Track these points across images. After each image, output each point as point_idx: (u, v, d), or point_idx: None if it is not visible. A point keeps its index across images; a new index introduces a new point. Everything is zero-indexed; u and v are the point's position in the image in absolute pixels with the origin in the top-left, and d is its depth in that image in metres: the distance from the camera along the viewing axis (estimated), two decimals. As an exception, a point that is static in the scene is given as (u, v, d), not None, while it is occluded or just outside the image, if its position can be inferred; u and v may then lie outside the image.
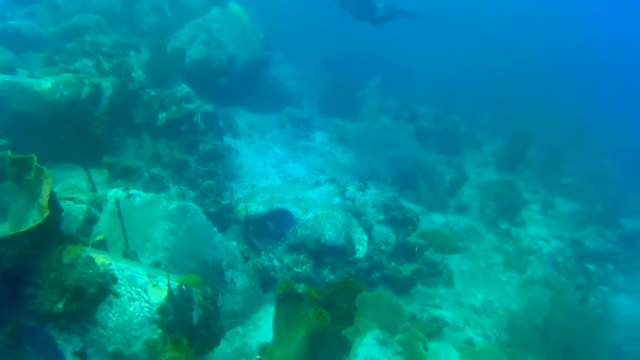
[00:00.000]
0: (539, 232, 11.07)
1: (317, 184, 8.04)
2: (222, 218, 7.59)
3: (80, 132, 8.02)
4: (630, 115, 21.35)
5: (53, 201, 4.01)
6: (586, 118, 20.19)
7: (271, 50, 17.87)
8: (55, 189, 6.67)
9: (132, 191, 6.35)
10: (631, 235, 11.20)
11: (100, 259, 4.43)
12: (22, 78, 7.69)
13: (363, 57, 21.59)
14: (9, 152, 4.22)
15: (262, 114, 13.77)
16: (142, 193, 6.32)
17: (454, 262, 8.96)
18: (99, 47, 9.86)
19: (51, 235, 3.96)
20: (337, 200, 7.35)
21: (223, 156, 9.09)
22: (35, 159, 4.13)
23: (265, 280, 6.82)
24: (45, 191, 3.97)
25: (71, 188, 6.66)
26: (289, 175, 10.32)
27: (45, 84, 7.60)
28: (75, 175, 7.76)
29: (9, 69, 8.22)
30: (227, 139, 11.31)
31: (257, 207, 7.22)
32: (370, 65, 21.27)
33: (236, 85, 12.88)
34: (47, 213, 3.84)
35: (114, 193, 6.42)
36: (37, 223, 3.75)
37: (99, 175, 7.71)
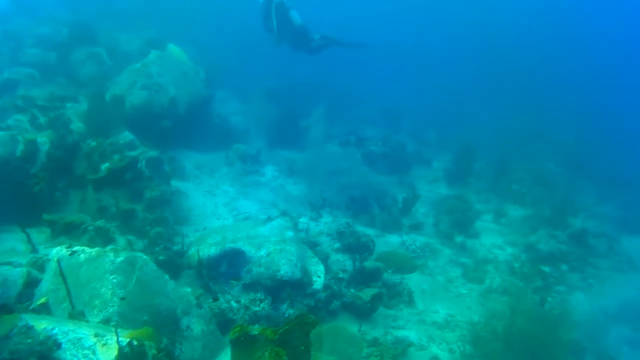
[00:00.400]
0: (494, 240, 11.35)
1: (269, 219, 8.00)
2: (174, 264, 7.40)
3: (17, 191, 7.74)
4: (571, 118, 22.33)
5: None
6: (529, 125, 21.00)
7: (214, 88, 17.84)
8: (-8, 254, 6.42)
9: (76, 247, 6.12)
10: (580, 234, 11.63)
11: (42, 324, 4.23)
12: (-50, 141, 7.38)
13: (306, 87, 21.89)
14: None
15: (209, 153, 13.66)
16: (86, 249, 6.09)
17: (414, 280, 9.03)
18: (32, 102, 9.61)
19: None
20: (290, 233, 7.33)
21: (171, 201, 8.93)
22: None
23: (223, 323, 6.65)
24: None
25: (8, 252, 6.37)
26: (241, 212, 10.22)
27: (-24, 145, 7.32)
28: (13, 237, 7.45)
29: None
30: (175, 183, 11.13)
31: (209, 250, 7.10)
32: (314, 94, 21.59)
33: (180, 126, 12.76)
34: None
35: (57, 252, 6.17)
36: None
37: (40, 235, 7.43)
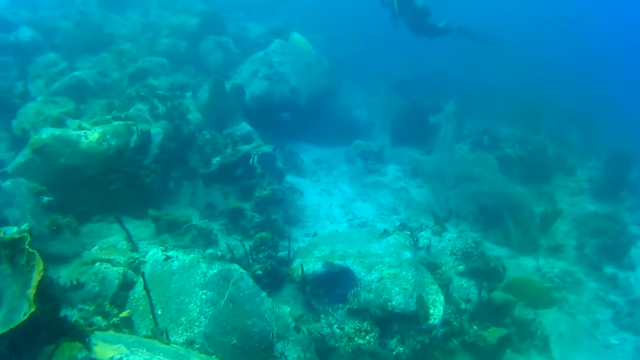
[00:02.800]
0: (656, 275, 9.22)
1: (385, 233, 6.97)
2: (276, 275, 6.73)
3: (129, 182, 7.55)
4: None
5: (45, 291, 3.30)
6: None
7: (338, 79, 17.15)
8: (94, 249, 6.20)
9: (170, 253, 5.65)
10: None
11: (109, 352, 3.66)
12: (70, 130, 7.36)
13: (436, 78, 20.28)
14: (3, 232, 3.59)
15: (329, 148, 12.94)
16: (180, 255, 5.59)
17: (549, 319, 7.48)
18: (153, 91, 9.52)
19: (38, 333, 3.24)
20: (408, 254, 6.23)
21: (282, 201, 8.29)
22: (28, 240, 3.45)
23: (323, 350, 5.82)
24: (34, 280, 3.27)
25: (111, 248, 6.08)
26: (357, 217, 9.32)
27: (92, 135, 7.22)
28: (121, 229, 7.27)
29: (60, 122, 7.95)
30: (290, 178, 10.57)
31: (314, 265, 6.27)
32: (444, 86, 19.92)
33: (301, 119, 12.17)
34: (32, 309, 3.12)
35: (153, 254, 5.76)
36: (15, 324, 3.03)
37: (146, 229, 7.16)
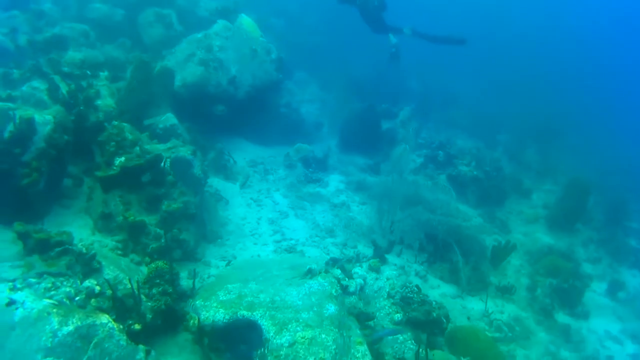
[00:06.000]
0: (608, 326, 8.53)
1: (310, 273, 5.80)
2: (174, 314, 5.45)
3: (1, 182, 6.04)
4: None
5: None
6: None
7: (289, 70, 15.79)
8: None
9: (17, 295, 4.27)
10: None
11: None
12: None
13: (398, 78, 19.27)
14: None
15: (270, 147, 11.65)
16: (29, 301, 4.22)
17: (495, 379, 6.54)
18: (58, 66, 7.94)
19: None
20: (332, 308, 5.07)
21: (195, 216, 6.95)
22: None
23: None
24: None
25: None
26: (286, 238, 8.10)
27: (-49, 119, 5.66)
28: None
29: None
30: (217, 182, 9.24)
31: (215, 313, 5.03)
32: (403, 88, 18.95)
33: (239, 113, 10.81)
34: None
35: (-5, 293, 4.36)
36: None
37: (13, 246, 5.68)
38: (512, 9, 33.75)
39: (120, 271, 5.64)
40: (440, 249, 8.51)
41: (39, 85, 7.51)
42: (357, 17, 11.51)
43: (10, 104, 6.38)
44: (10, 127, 5.99)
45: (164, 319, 5.40)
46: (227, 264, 6.80)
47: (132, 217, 6.44)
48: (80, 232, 6.57)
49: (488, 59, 24.50)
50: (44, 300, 4.30)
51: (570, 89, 24.54)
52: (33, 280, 4.92)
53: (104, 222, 6.67)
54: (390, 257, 7.94)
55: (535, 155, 16.29)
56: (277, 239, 7.99)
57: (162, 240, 6.23)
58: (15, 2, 11.52)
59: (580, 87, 25.33)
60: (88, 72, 8.26)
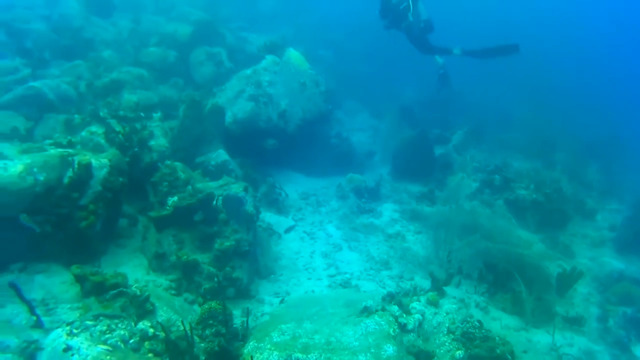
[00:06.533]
0: (698, 362, 7.68)
1: (366, 311, 5.56)
2: (227, 355, 5.34)
3: (61, 225, 6.22)
4: None
5: None
6: None
7: (338, 100, 15.78)
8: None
9: (72, 341, 4.29)
10: None
11: None
12: (-10, 160, 6.05)
13: (450, 102, 18.87)
14: None
15: (321, 178, 11.57)
16: (84, 347, 4.24)
17: None
18: (115, 110, 8.23)
19: None
20: (390, 349, 4.81)
21: (248, 253, 6.89)
22: None
23: None
24: None
25: (1, 324, 4.73)
26: (341, 272, 7.89)
27: (14, 167, 5.90)
28: (44, 284, 5.95)
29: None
30: (270, 217, 9.21)
31: (269, 356, 4.88)
32: (456, 111, 18.49)
33: (289, 146, 10.84)
34: None
35: (54, 339, 4.40)
36: None
37: (73, 288, 5.82)
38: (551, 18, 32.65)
39: (174, 312, 5.63)
40: (501, 278, 8.03)
41: (97, 129, 7.79)
42: (404, 41, 11.44)
43: (70, 150, 6.62)
44: (69, 173, 6.20)
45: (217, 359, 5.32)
46: (281, 302, 6.66)
47: (185, 257, 6.46)
48: (135, 271, 6.65)
49: (535, 73, 23.66)
50: (99, 346, 4.30)
51: (625, 100, 23.33)
52: (90, 322, 4.97)
53: (158, 262, 6.73)
54: (449, 289, 7.54)
55: (596, 173, 15.35)
56: (332, 273, 7.81)
57: (215, 280, 6.17)
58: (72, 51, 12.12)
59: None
60: (142, 114, 8.52)
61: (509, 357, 6.16)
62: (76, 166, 6.23)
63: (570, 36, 30.89)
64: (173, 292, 6.38)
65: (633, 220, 11.21)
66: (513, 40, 10.32)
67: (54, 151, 6.43)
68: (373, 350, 4.82)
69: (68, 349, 4.19)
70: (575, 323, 7.94)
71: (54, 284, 5.99)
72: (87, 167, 6.34)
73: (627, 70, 27.72)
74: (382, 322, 5.26)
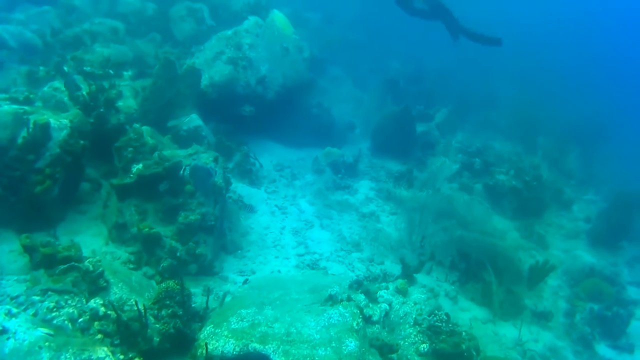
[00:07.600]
0: (657, 362, 7.75)
1: (331, 300, 5.36)
2: (184, 338, 5.11)
3: (14, 189, 5.82)
4: None
5: None
6: None
7: (322, 68, 15.24)
8: None
9: (9, 323, 3.98)
10: None
11: None
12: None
13: (436, 77, 18.48)
14: None
15: (299, 150, 11.21)
16: (22, 330, 3.93)
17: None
18: (80, 65, 7.69)
19: None
20: (352, 344, 4.61)
21: (214, 228, 6.59)
22: None
23: None
24: None
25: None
26: (310, 251, 7.66)
27: (-38, 124, 5.44)
28: (-5, 250, 5.59)
29: None
30: (241, 187, 8.89)
31: (225, 343, 4.65)
32: (441, 86, 18.12)
33: (268, 114, 10.41)
34: None
35: (-10, 318, 4.08)
36: None
37: (22, 258, 5.45)
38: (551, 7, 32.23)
39: (130, 289, 5.34)
40: (473, 267, 7.92)
41: (61, 85, 7.29)
42: (398, 13, 10.89)
43: (26, 107, 6.14)
44: (23, 133, 5.75)
45: (173, 342, 5.09)
46: (244, 282, 6.41)
47: (146, 229, 6.13)
48: (94, 241, 6.33)
49: (528, 57, 23.33)
50: (39, 329, 4.00)
51: (617, 90, 23.24)
52: (36, 298, 4.68)
53: (118, 232, 6.40)
54: (420, 276, 7.40)
55: (577, 160, 15.25)
56: (300, 252, 7.58)
57: (178, 254, 5.88)
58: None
59: (630, 89, 23.93)
60: (111, 72, 7.99)
61: (474, 353, 6.07)
62: (31, 126, 5.78)
63: (566, 25, 30.58)
64: (132, 265, 6.08)
65: (608, 213, 11.19)
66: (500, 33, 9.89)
67: (7, 107, 5.96)
68: (334, 345, 4.62)
69: (4, 331, 3.88)
70: (542, 318, 7.92)
71: (2, 252, 5.63)
72: (44, 128, 5.89)
73: (620, 60, 27.61)
74: (347, 314, 5.05)
